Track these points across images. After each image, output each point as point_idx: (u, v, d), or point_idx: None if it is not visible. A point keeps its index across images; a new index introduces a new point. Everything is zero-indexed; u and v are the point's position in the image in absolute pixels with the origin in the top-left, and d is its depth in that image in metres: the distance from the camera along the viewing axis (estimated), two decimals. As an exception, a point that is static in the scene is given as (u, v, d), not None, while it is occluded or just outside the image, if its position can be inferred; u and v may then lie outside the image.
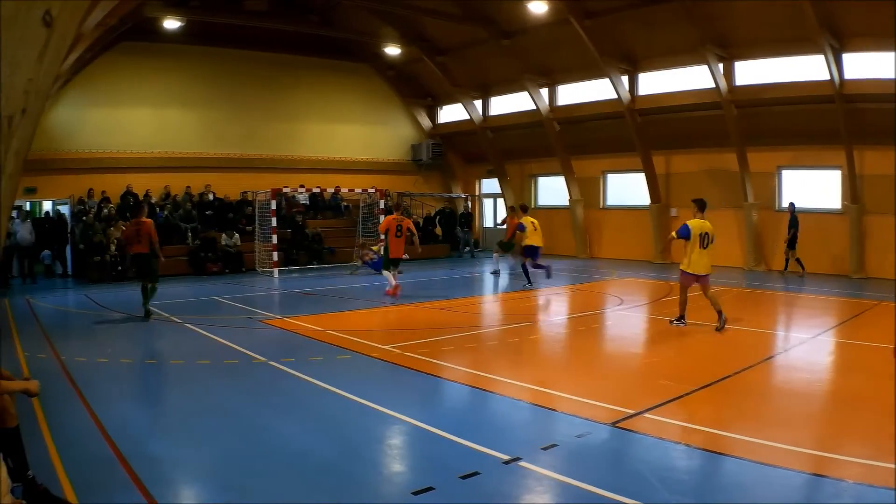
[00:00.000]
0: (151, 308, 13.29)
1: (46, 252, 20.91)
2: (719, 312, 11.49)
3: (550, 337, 11.64)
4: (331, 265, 23.65)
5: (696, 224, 11.64)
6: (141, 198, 22.37)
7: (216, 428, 6.76)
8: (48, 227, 21.07)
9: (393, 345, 10.39)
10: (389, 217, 16.49)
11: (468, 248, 28.18)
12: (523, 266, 17.93)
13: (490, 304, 15.88)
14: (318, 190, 24.84)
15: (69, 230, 21.65)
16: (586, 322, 12.64)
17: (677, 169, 23.81)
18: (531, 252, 17.58)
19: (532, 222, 17.66)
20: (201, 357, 9.78)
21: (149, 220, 13.52)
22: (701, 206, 11.87)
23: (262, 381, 8.48)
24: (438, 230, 28.57)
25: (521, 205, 19.40)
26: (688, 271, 11.74)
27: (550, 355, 10.40)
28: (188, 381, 8.68)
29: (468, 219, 29.07)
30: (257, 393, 7.99)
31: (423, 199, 30.51)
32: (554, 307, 15.21)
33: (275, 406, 7.46)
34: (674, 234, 11.72)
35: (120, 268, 19.67)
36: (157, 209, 22.35)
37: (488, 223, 31.64)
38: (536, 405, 7.43)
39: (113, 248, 20.00)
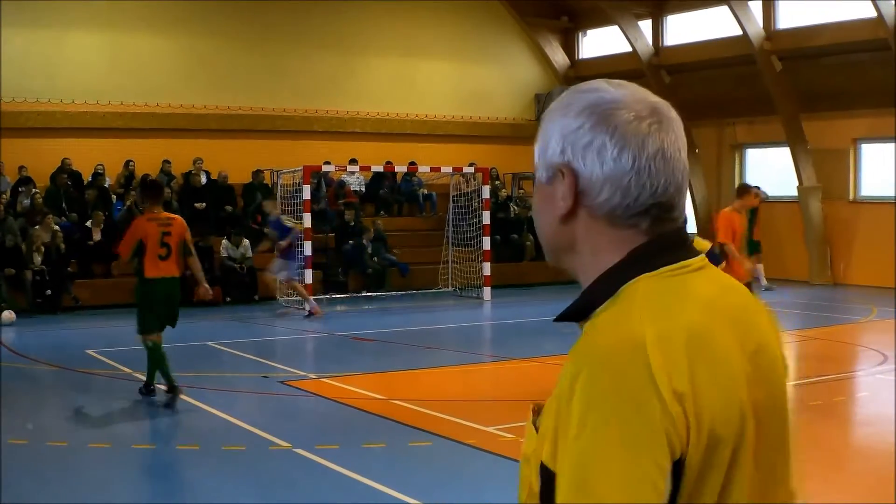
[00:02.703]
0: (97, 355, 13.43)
1: None
2: None
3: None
4: (402, 292, 23.53)
5: None
6: (87, 179, 22.67)
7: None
8: None
9: (501, 425, 10.24)
10: None
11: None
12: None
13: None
14: (381, 168, 24.94)
15: None
16: (825, 392, 12.35)
17: None
18: None
19: None
20: (185, 439, 9.90)
21: (179, 217, 12.43)
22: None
23: (285, 481, 8.48)
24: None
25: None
26: None
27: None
28: (163, 477, 8.78)
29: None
30: (278, 499, 8.01)
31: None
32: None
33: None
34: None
35: (49, 291, 19.88)
36: (114, 197, 22.67)
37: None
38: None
39: (38, 258, 20.19)
